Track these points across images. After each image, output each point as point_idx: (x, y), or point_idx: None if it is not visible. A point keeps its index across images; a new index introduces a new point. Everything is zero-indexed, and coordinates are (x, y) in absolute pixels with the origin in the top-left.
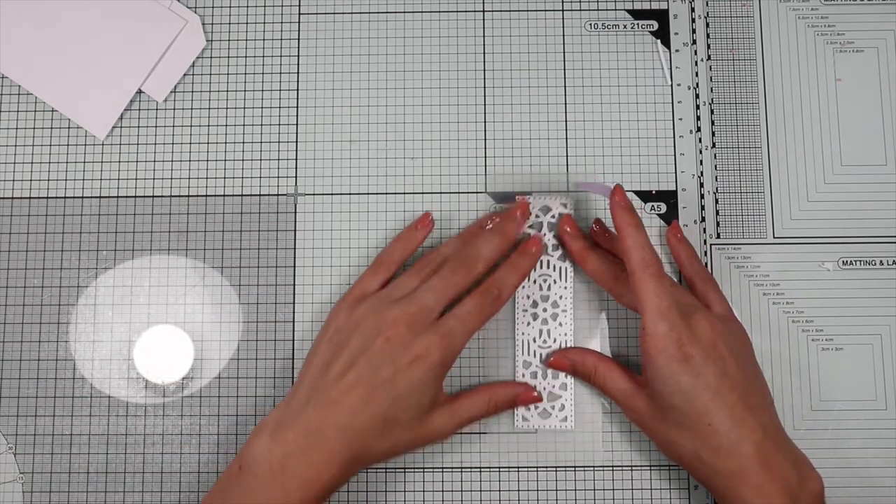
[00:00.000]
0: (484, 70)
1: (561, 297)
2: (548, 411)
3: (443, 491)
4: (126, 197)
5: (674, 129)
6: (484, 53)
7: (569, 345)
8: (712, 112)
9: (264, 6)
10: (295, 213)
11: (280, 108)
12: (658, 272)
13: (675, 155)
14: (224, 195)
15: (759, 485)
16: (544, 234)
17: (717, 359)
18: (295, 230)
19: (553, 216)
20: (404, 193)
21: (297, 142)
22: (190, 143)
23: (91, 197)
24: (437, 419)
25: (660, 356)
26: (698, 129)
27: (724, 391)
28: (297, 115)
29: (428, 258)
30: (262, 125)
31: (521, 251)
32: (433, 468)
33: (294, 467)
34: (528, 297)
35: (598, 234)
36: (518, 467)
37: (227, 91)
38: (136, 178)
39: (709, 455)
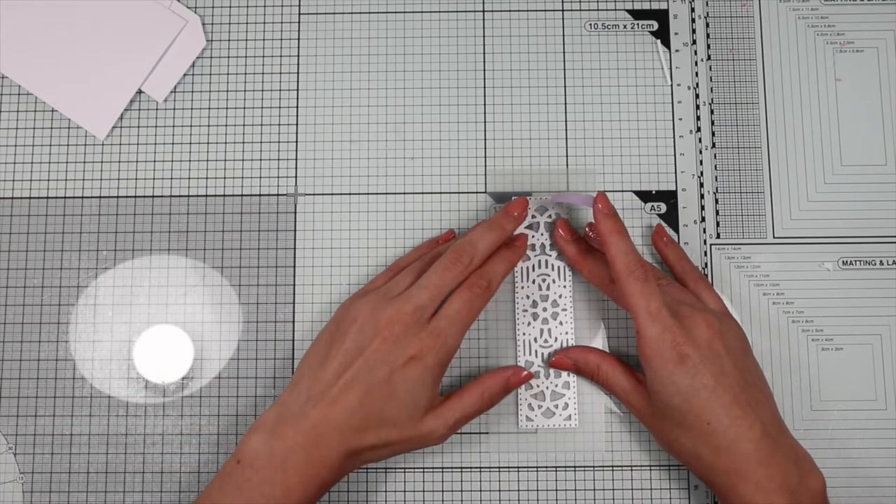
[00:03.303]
0: (484, 70)
1: (560, 297)
2: (551, 410)
3: (443, 491)
4: (126, 197)
5: (674, 129)
6: (484, 53)
7: (570, 343)
8: (712, 112)
9: (264, 6)
10: (295, 213)
11: (280, 108)
12: (643, 275)
13: (675, 155)
14: (224, 195)
15: (758, 482)
16: (542, 234)
17: (714, 358)
18: (295, 230)
19: (550, 216)
20: (404, 193)
21: (297, 142)
22: (190, 143)
23: (91, 197)
24: (431, 421)
25: (655, 358)
26: (698, 129)
27: (722, 390)
28: (297, 115)
29: (431, 258)
30: (262, 125)
31: (510, 245)
32: (433, 468)
33: (294, 463)
34: (528, 296)
35: (592, 238)
36: (518, 467)
37: (227, 91)
38: (136, 178)
39: (708, 453)
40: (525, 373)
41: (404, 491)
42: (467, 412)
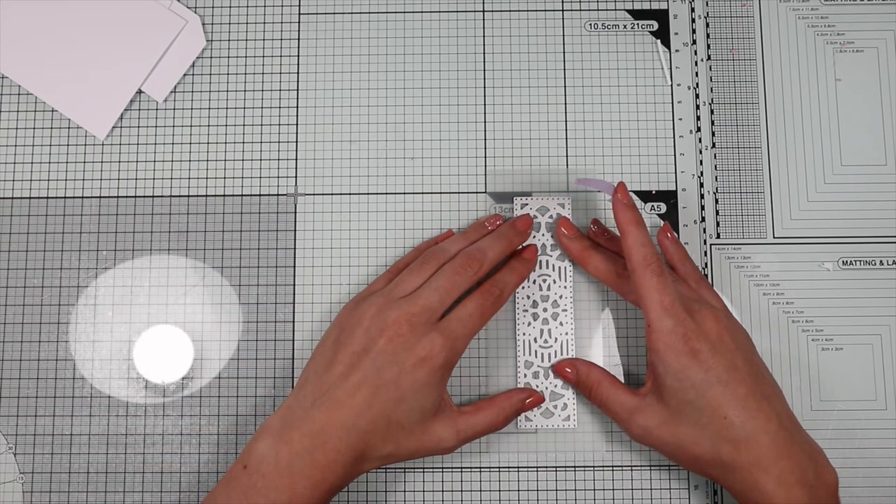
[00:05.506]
0: (484, 70)
1: (561, 297)
2: (550, 411)
3: (443, 491)
4: (126, 197)
5: (674, 129)
6: (484, 53)
7: (570, 343)
8: (712, 112)
9: (264, 6)
10: (295, 213)
11: (280, 108)
12: (659, 269)
13: (675, 155)
14: (224, 195)
15: (779, 476)
16: (543, 234)
17: (724, 352)
18: (295, 230)
19: (551, 217)
20: (404, 193)
21: (297, 142)
22: (190, 143)
23: (91, 197)
24: (440, 428)
25: (668, 352)
26: (698, 129)
27: (735, 383)
28: (297, 115)
29: (431, 255)
30: (262, 125)
31: (520, 257)
32: (433, 468)
33: (300, 468)
34: (528, 297)
35: (597, 234)
36: (518, 467)
37: (227, 91)
38: (136, 178)
39: (728, 449)
40: (532, 399)
41: (404, 491)
42: (478, 429)
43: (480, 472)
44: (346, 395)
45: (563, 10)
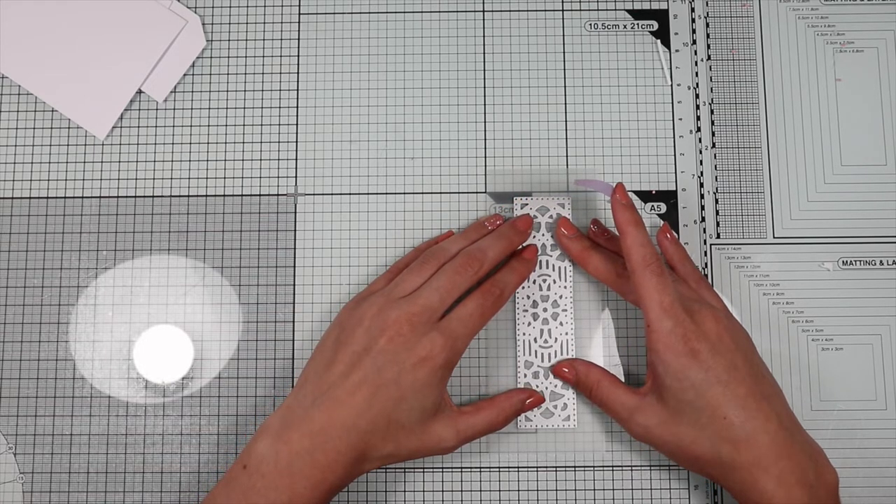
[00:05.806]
0: (484, 70)
1: (561, 297)
2: (550, 411)
3: (443, 491)
4: (126, 197)
5: (674, 129)
6: (484, 53)
7: (570, 343)
8: (712, 112)
9: (264, 6)
10: (295, 213)
11: (280, 108)
12: (659, 269)
13: (675, 155)
14: (224, 195)
15: (779, 475)
16: (543, 234)
17: (724, 352)
18: (295, 230)
19: (551, 216)
20: (404, 193)
21: (297, 142)
22: (190, 143)
23: (91, 197)
24: (440, 428)
25: (667, 352)
26: (698, 129)
27: (735, 383)
28: (297, 115)
29: (431, 255)
30: (262, 125)
31: (520, 257)
32: (433, 468)
33: (300, 468)
34: (528, 297)
35: (596, 234)
36: (518, 467)
37: (227, 91)
38: (136, 178)
39: (728, 449)
40: (533, 399)
41: (404, 491)
42: (478, 429)
43: (480, 472)
44: (347, 394)
45: (563, 10)
